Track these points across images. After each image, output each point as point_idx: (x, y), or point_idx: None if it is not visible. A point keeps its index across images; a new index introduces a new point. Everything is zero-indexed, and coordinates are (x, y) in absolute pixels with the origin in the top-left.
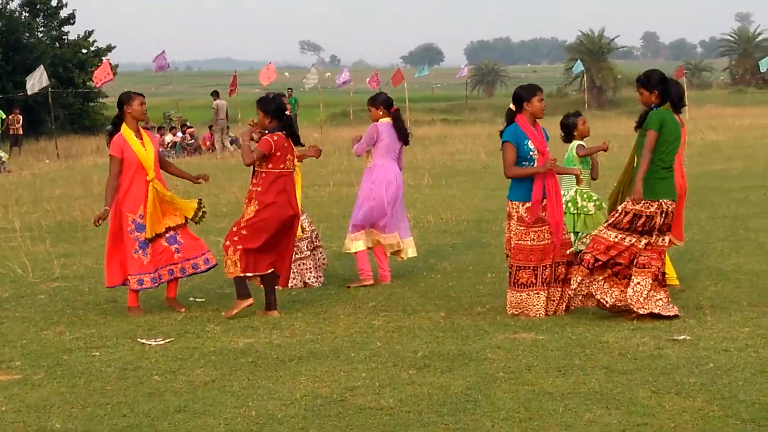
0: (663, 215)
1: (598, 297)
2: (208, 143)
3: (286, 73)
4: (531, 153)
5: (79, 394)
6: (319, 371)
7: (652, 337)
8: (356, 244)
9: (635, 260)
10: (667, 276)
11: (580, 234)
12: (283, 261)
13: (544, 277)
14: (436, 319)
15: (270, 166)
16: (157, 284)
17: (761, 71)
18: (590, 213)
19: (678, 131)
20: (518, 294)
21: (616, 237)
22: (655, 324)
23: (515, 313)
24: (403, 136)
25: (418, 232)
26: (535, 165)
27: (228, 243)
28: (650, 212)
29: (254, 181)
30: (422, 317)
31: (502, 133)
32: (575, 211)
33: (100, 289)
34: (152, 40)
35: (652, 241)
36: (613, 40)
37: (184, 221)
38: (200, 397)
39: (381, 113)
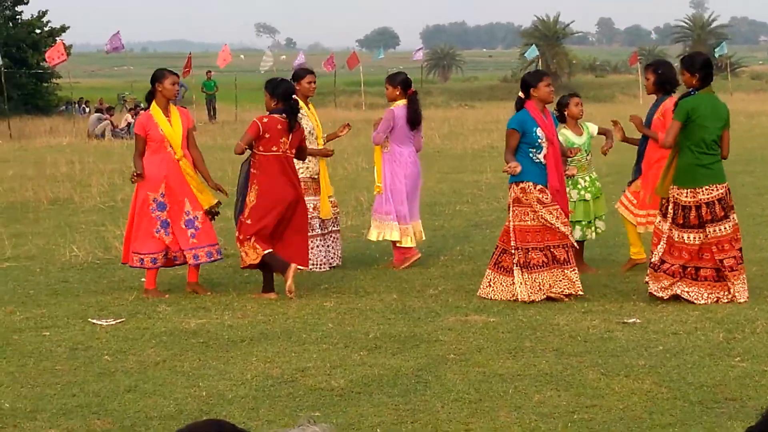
0: (707, 205)
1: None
2: None
3: (242, 56)
4: (539, 140)
5: (29, 374)
6: (270, 352)
7: (603, 320)
8: (406, 239)
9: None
10: (636, 251)
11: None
12: (300, 245)
13: (555, 256)
14: (388, 301)
15: (261, 148)
16: (161, 265)
17: (716, 57)
18: (572, 200)
19: (717, 115)
20: (534, 275)
21: (684, 237)
22: (605, 307)
23: (532, 298)
24: (414, 120)
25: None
26: (543, 152)
27: (240, 236)
28: (692, 202)
29: (252, 164)
30: (374, 299)
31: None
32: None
33: (51, 269)
34: (107, 20)
35: (709, 234)
36: (568, 25)
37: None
38: (150, 377)
39: (398, 93)
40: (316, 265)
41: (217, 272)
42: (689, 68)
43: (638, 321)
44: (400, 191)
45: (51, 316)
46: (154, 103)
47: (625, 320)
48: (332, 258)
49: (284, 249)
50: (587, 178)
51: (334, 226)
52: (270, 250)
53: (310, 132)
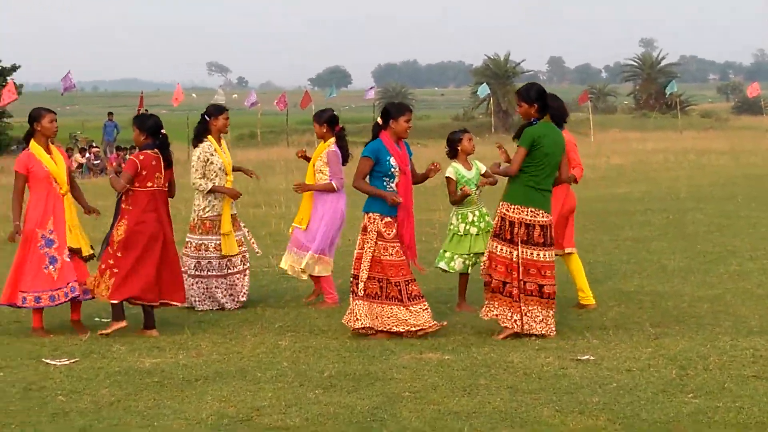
0: (535, 227)
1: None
2: (114, 164)
3: (193, 95)
4: (392, 169)
5: None
6: (225, 391)
7: (557, 357)
8: (326, 267)
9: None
10: (583, 296)
11: (451, 253)
12: (175, 285)
13: (409, 292)
14: (343, 339)
15: (137, 184)
16: (55, 303)
17: (666, 95)
18: (459, 233)
19: (557, 143)
20: (389, 307)
21: (498, 249)
22: (559, 344)
23: (371, 327)
24: (345, 156)
25: None
26: (395, 181)
27: (104, 265)
28: (522, 219)
29: (125, 199)
30: (329, 337)
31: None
32: (449, 231)
33: (3, 309)
34: (58, 60)
35: (526, 254)
36: (518, 64)
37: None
38: (105, 416)
39: (325, 131)
40: (200, 302)
41: (171, 311)
42: (526, 99)
43: (592, 358)
44: (338, 227)
45: (4, 357)
46: (33, 141)
47: (579, 357)
48: (236, 296)
49: (160, 286)
50: (476, 213)
51: (243, 265)
52: (121, 301)
53: (220, 168)
